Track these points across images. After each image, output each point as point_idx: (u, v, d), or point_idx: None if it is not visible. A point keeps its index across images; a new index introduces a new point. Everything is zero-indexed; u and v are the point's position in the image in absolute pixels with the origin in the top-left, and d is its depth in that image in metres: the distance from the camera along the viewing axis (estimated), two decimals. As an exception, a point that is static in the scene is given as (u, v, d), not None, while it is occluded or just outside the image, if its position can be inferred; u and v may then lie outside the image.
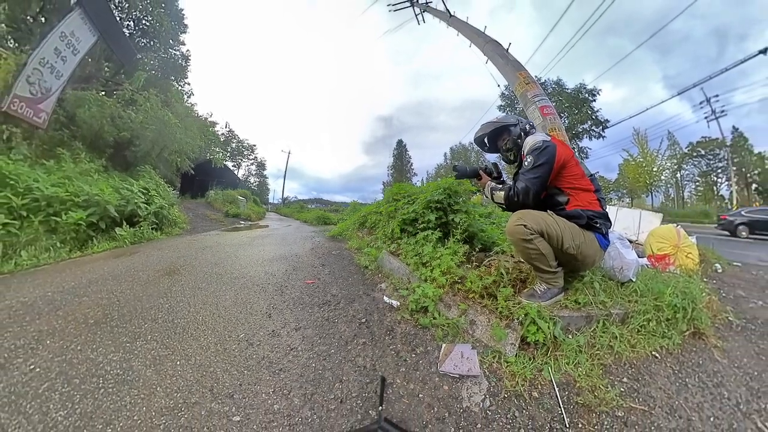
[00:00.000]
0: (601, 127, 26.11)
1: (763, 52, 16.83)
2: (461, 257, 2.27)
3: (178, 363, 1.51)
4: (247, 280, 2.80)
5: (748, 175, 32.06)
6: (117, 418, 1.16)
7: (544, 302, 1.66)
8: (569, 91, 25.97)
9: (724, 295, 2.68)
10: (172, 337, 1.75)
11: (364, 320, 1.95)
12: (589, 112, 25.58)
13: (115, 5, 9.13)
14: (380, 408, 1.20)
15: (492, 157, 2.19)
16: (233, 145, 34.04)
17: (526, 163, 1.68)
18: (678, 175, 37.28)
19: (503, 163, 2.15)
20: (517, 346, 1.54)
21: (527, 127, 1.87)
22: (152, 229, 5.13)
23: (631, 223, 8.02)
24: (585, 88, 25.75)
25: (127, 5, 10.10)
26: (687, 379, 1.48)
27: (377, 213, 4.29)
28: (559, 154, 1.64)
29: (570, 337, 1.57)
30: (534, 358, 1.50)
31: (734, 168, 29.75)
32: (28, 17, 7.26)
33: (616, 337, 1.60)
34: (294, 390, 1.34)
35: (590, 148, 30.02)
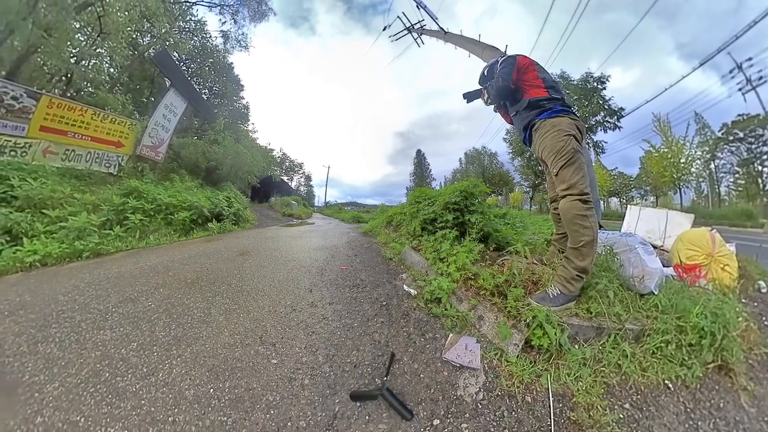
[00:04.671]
0: (615, 117, 21.32)
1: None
2: (476, 255, 2.19)
3: (241, 315, 1.77)
4: (297, 262, 3.08)
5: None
6: (195, 344, 1.43)
7: (554, 307, 1.51)
8: (576, 82, 21.67)
9: (766, 323, 2.03)
10: (240, 297, 2.05)
11: (384, 303, 2.01)
12: (601, 102, 21.11)
13: (194, 81, 12.99)
14: (385, 378, 1.26)
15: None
16: (287, 163, 40.23)
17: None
18: (712, 165, 26.03)
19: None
20: (520, 347, 1.45)
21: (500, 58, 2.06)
22: (232, 224, 6.44)
23: (656, 225, 6.04)
24: (592, 76, 21.27)
25: (201, 80, 14.12)
26: (700, 423, 1.18)
27: (402, 213, 4.32)
28: (518, 61, 1.83)
29: (576, 347, 1.41)
30: (535, 363, 1.37)
31: (787, 152, 19.62)
32: (144, 99, 11.18)
33: (627, 355, 1.37)
34: (320, 350, 1.47)
35: (606, 142, 23.84)
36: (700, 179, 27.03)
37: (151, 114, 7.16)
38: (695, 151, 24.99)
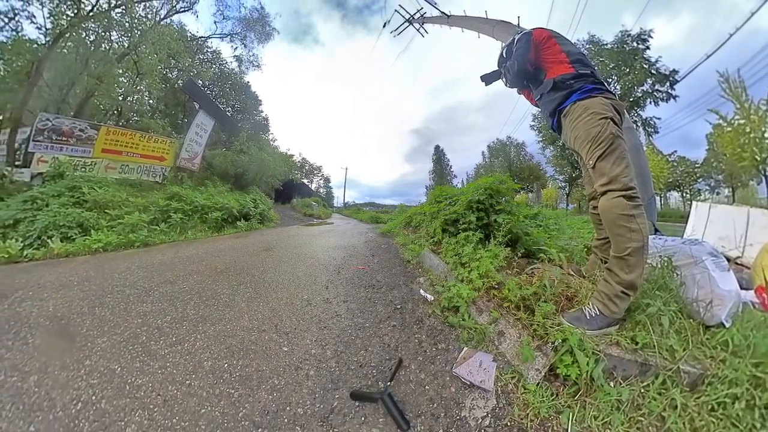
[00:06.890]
0: (667, 84, 16.38)
1: None
2: (502, 261, 2.05)
3: (261, 304, 1.95)
4: (315, 260, 3.30)
5: None
6: (218, 323, 1.64)
7: (590, 330, 1.34)
8: (610, 46, 17.48)
9: None
10: (261, 288, 2.27)
11: (399, 306, 2.03)
12: (646, 66, 16.50)
13: (219, 102, 15.40)
14: (389, 383, 1.27)
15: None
16: (306, 167, 44.08)
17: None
18: (814, 139, 16.48)
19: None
20: (543, 374, 1.32)
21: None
22: (258, 222, 7.62)
23: (731, 229, 4.72)
24: (629, 35, 16.90)
25: (224, 99, 16.86)
26: None
27: (421, 214, 4.30)
28: (534, 36, 1.69)
29: (612, 385, 1.23)
30: (557, 396, 1.23)
31: None
32: (178, 121, 14.19)
33: (676, 406, 1.12)
34: (330, 345, 1.55)
35: (658, 118, 18.31)
36: (795, 160, 17.47)
37: (186, 132, 9.18)
38: (785, 119, 16.80)
